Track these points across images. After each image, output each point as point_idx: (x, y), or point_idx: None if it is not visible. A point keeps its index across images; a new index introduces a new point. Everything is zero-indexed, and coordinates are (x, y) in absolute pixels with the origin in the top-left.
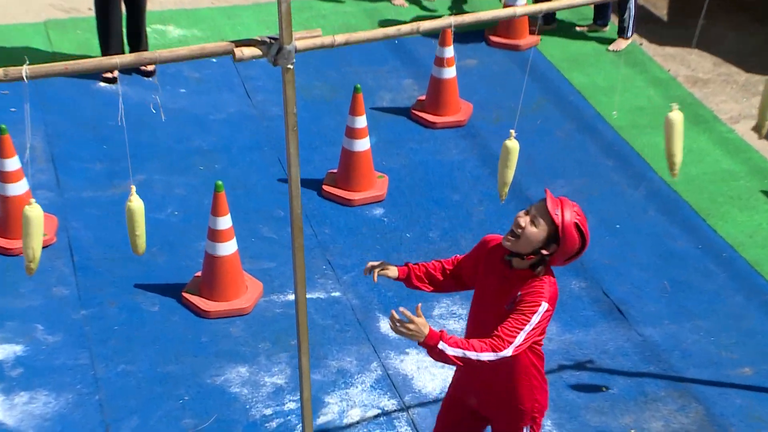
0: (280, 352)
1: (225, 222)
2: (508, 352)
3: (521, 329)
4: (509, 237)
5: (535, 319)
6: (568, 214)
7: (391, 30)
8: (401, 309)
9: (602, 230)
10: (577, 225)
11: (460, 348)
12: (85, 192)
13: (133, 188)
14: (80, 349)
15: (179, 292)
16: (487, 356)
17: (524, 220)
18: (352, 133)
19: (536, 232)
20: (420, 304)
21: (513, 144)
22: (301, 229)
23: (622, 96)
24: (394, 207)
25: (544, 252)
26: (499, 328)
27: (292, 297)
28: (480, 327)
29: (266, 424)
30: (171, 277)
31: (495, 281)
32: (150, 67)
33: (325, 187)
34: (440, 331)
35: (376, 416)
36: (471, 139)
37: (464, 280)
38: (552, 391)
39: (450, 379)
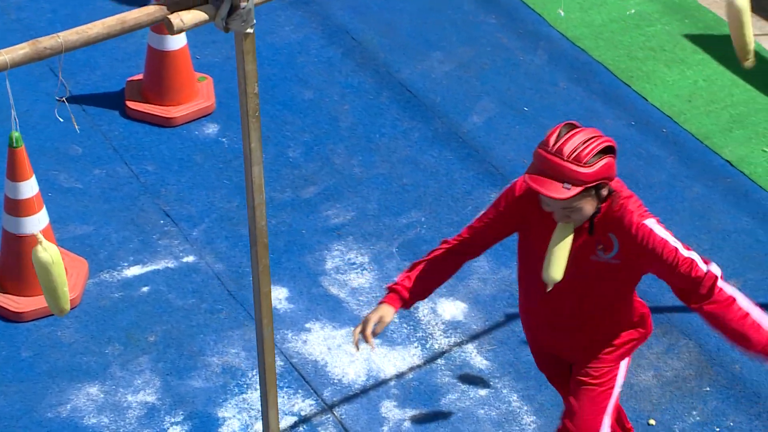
0: (137, 356)
1: (29, 188)
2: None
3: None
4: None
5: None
6: (583, 159)
7: None
8: None
9: (509, 118)
10: (600, 158)
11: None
12: None
13: (40, 236)
14: None
15: None
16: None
17: (559, 216)
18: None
19: (582, 209)
20: None
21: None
22: (266, 246)
23: None
24: (230, 120)
25: (602, 205)
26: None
27: (129, 273)
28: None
29: None
30: None
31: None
32: None
33: (131, 104)
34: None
35: (294, 426)
36: (304, 8)
37: (481, 247)
38: (509, 353)
39: (373, 357)
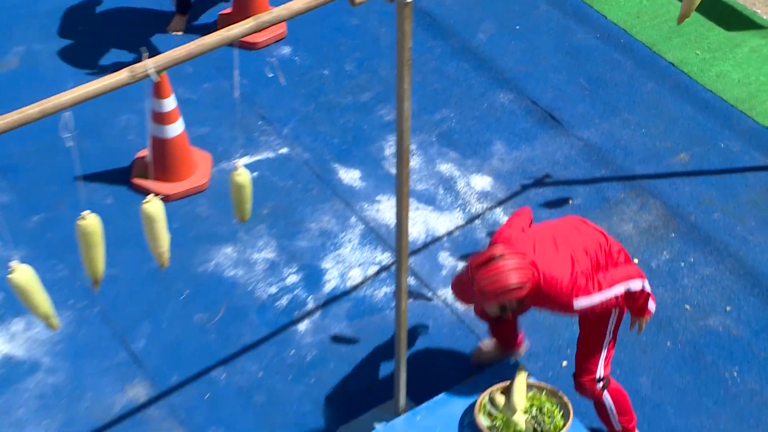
0: (256, 225)
1: (170, 103)
2: None
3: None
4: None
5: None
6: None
7: None
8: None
9: (506, 35)
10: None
11: None
12: None
13: (239, 163)
14: (53, 260)
15: (126, 179)
16: None
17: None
18: None
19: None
20: None
21: None
22: (408, 161)
23: None
24: (298, 43)
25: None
26: None
27: (241, 162)
28: None
29: (276, 303)
30: (107, 163)
31: None
32: None
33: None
34: None
35: (377, 272)
36: None
37: None
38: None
39: (428, 220)
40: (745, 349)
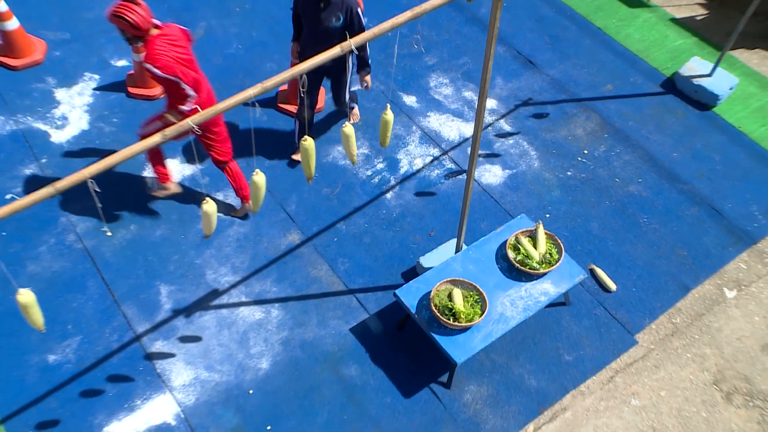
0: (356, 131)
1: None
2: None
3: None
4: None
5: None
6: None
7: None
8: None
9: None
10: (114, 14)
11: None
12: None
13: (388, 106)
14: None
15: (273, 103)
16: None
17: None
18: None
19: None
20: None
21: None
22: (486, 94)
23: None
24: (371, 15)
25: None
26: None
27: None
28: None
29: (371, 181)
30: (262, 95)
31: None
32: None
33: None
34: None
35: (431, 161)
36: None
37: None
38: (516, 119)
39: (459, 127)
40: (650, 204)
